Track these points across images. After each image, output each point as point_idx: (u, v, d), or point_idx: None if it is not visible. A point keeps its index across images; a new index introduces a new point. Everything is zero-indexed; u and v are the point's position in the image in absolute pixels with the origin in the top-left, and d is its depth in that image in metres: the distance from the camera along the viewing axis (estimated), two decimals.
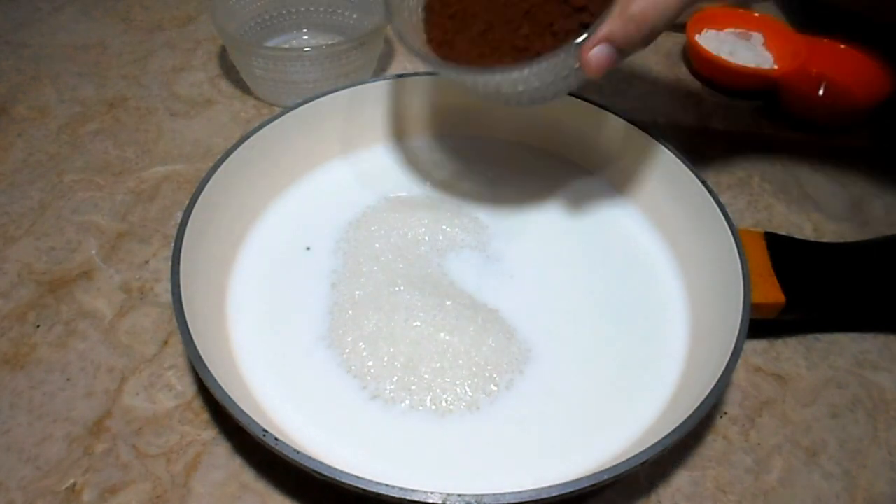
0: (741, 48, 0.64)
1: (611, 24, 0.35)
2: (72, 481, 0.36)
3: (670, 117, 0.60)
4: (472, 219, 0.46)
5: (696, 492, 0.36)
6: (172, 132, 0.57)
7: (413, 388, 0.37)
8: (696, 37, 0.64)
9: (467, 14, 0.39)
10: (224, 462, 0.37)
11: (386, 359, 0.38)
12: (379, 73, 0.63)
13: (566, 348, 0.39)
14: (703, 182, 0.44)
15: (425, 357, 0.37)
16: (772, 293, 0.40)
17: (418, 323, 0.38)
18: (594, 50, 0.36)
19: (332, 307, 0.41)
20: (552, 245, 0.45)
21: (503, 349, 0.38)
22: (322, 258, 0.44)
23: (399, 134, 0.53)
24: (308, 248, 0.44)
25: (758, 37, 0.66)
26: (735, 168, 0.55)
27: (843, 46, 0.62)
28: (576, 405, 0.37)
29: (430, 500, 0.29)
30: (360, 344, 0.38)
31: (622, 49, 0.35)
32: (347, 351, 0.38)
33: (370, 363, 0.38)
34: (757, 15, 0.67)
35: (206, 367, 0.33)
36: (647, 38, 0.35)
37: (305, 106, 0.48)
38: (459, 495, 0.29)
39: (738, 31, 0.67)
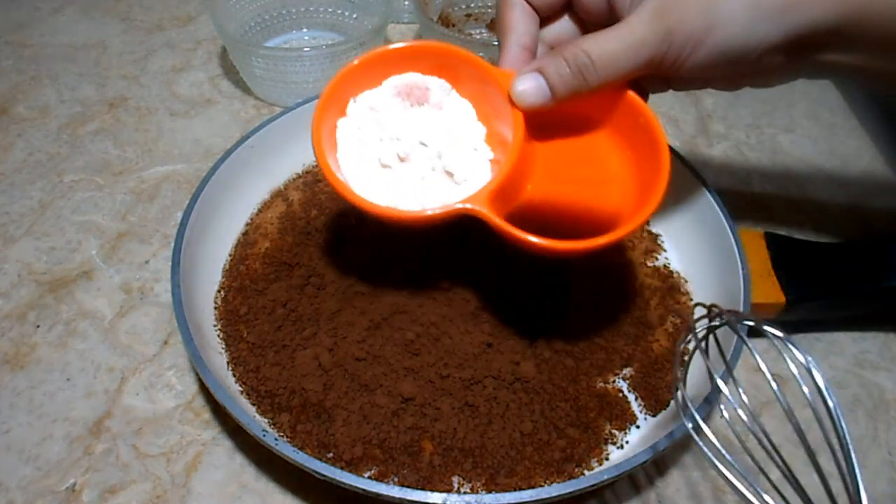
0: None
1: (545, 59, 0.32)
2: (72, 481, 0.36)
3: (670, 117, 0.60)
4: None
5: (696, 492, 0.36)
6: (172, 132, 0.57)
7: (415, 383, 0.36)
8: None
9: None
10: (224, 462, 0.37)
11: (385, 355, 0.37)
12: None
13: (562, 345, 0.38)
14: (704, 182, 0.44)
15: (426, 345, 0.37)
16: (772, 293, 0.40)
17: (418, 319, 0.38)
18: (522, 78, 0.32)
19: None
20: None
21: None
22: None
23: None
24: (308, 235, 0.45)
25: None
26: (735, 168, 0.55)
27: None
28: (573, 404, 0.37)
29: (430, 500, 0.29)
30: (358, 340, 0.38)
31: (554, 89, 0.32)
32: (344, 348, 0.38)
33: (368, 360, 0.38)
34: None
35: (206, 367, 0.33)
36: (585, 86, 0.31)
37: (305, 106, 0.48)
38: (459, 495, 0.29)
39: None
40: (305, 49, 0.54)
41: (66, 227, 0.49)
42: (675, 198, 0.46)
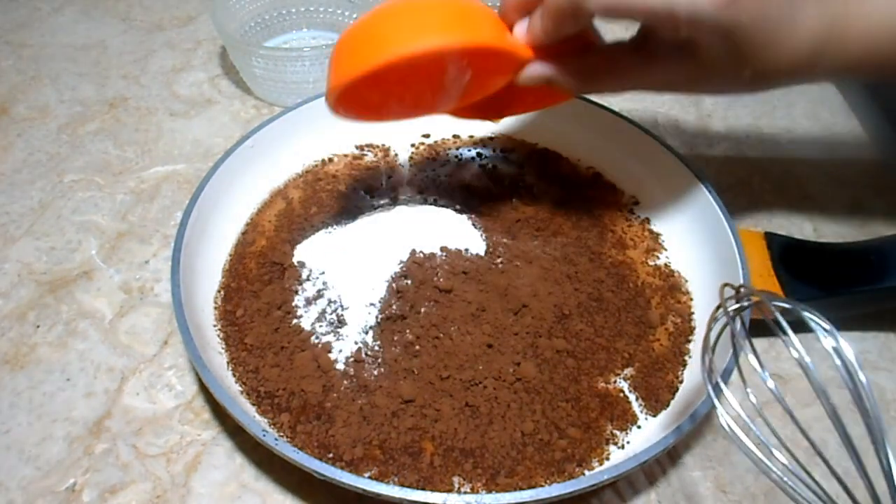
0: None
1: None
2: (72, 481, 0.36)
3: (670, 117, 0.60)
4: (470, 219, 0.46)
5: (696, 492, 0.36)
6: (172, 132, 0.57)
7: (409, 374, 0.36)
8: None
9: None
10: (224, 462, 0.37)
11: (385, 357, 0.37)
12: None
13: (563, 345, 0.38)
14: (704, 182, 0.44)
15: (426, 346, 0.37)
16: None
17: (418, 320, 0.38)
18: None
19: (327, 305, 0.41)
20: (549, 243, 0.45)
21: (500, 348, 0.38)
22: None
23: (399, 135, 0.53)
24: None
25: None
26: (735, 168, 0.55)
27: None
28: (574, 404, 0.37)
29: (430, 500, 0.29)
30: (356, 342, 0.38)
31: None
32: (342, 348, 0.38)
33: (367, 361, 0.38)
34: None
35: (206, 367, 0.33)
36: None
37: (305, 106, 0.48)
38: (459, 495, 0.29)
39: None
40: (305, 49, 0.54)
41: (66, 227, 0.49)
42: (675, 198, 0.46)
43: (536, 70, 0.36)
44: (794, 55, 0.33)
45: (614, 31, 0.38)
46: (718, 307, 0.29)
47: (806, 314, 0.27)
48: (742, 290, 0.29)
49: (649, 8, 0.30)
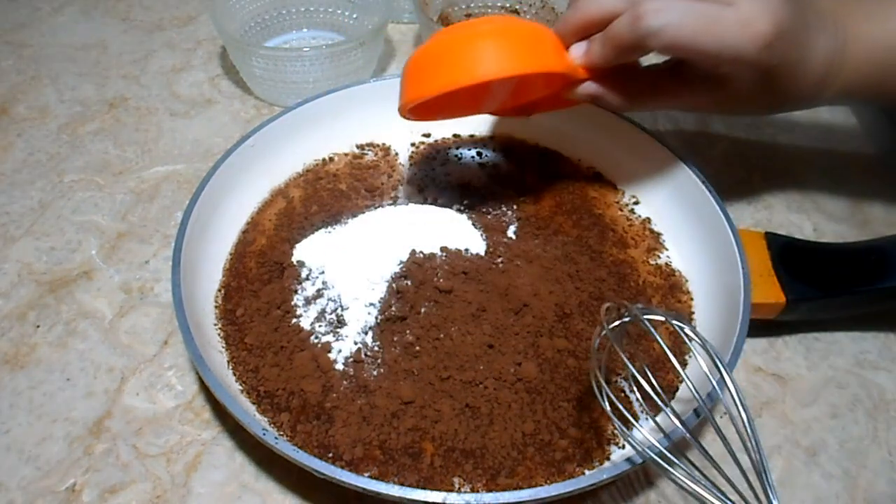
0: None
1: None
2: (72, 481, 0.36)
3: (670, 117, 0.60)
4: (471, 219, 0.46)
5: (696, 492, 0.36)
6: (172, 132, 0.57)
7: (410, 377, 0.36)
8: None
9: None
10: (224, 462, 0.37)
11: (385, 357, 0.37)
12: (379, 73, 0.63)
13: (564, 344, 0.38)
14: (704, 182, 0.44)
15: (426, 347, 0.37)
16: (772, 293, 0.40)
17: (418, 321, 0.38)
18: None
19: (327, 304, 0.41)
20: (550, 243, 0.45)
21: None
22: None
23: (400, 135, 0.53)
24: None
25: None
26: (735, 168, 0.55)
27: None
28: (576, 404, 0.37)
29: (430, 500, 0.29)
30: (355, 342, 0.38)
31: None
32: (342, 348, 0.38)
33: (367, 361, 0.38)
34: None
35: (206, 366, 0.33)
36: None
37: (305, 106, 0.48)
38: (459, 494, 0.29)
39: None
40: (305, 49, 0.55)
41: (66, 227, 0.49)
42: (676, 197, 0.46)
43: (589, 89, 0.40)
44: (806, 85, 0.40)
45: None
46: (600, 329, 0.31)
47: (675, 323, 0.29)
48: (621, 308, 0.31)
49: (702, 49, 0.35)
